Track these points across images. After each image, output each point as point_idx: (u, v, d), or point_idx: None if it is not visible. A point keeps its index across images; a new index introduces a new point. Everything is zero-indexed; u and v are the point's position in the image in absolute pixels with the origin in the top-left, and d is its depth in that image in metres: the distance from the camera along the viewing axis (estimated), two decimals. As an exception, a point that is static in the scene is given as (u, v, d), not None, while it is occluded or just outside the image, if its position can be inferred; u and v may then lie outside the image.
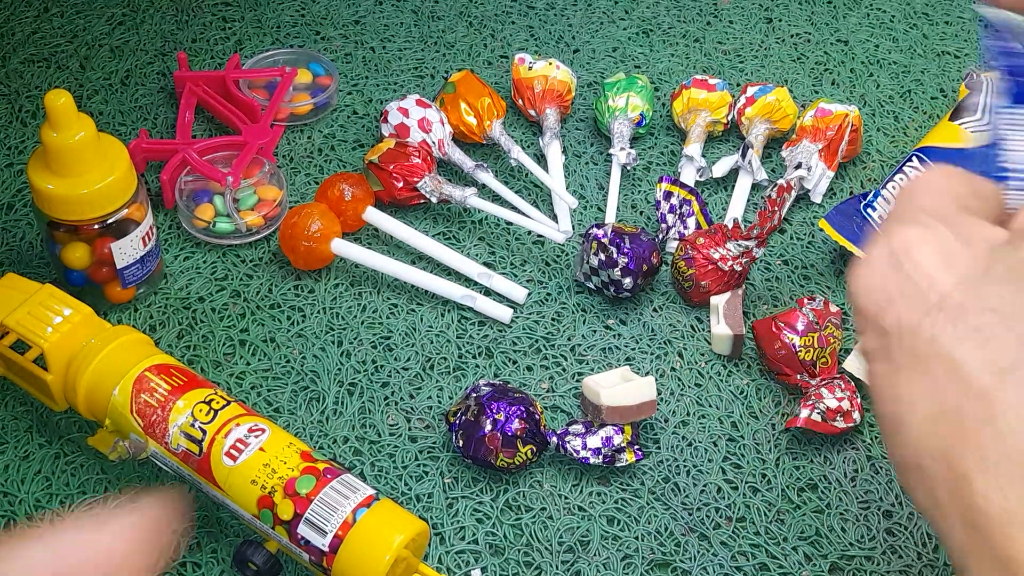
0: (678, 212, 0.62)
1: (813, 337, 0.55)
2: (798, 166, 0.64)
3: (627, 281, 0.58)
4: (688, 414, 0.56)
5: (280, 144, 0.68)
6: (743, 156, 0.65)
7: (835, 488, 0.53)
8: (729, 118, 0.68)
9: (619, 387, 0.52)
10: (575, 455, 0.51)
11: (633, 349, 0.58)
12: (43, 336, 0.51)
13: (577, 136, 0.69)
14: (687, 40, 0.77)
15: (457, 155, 0.65)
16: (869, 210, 0.61)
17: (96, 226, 0.55)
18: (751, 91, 0.68)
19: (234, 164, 0.62)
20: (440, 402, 0.56)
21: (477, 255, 0.62)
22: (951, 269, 0.29)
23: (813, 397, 0.54)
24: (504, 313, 0.59)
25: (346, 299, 0.60)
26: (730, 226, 0.60)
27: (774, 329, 0.55)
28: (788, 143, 0.66)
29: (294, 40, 0.75)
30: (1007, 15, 0.34)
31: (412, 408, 0.55)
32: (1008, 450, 0.26)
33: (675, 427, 0.55)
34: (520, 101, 0.69)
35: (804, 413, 0.53)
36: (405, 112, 0.65)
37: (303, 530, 0.45)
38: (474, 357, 0.58)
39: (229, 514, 0.49)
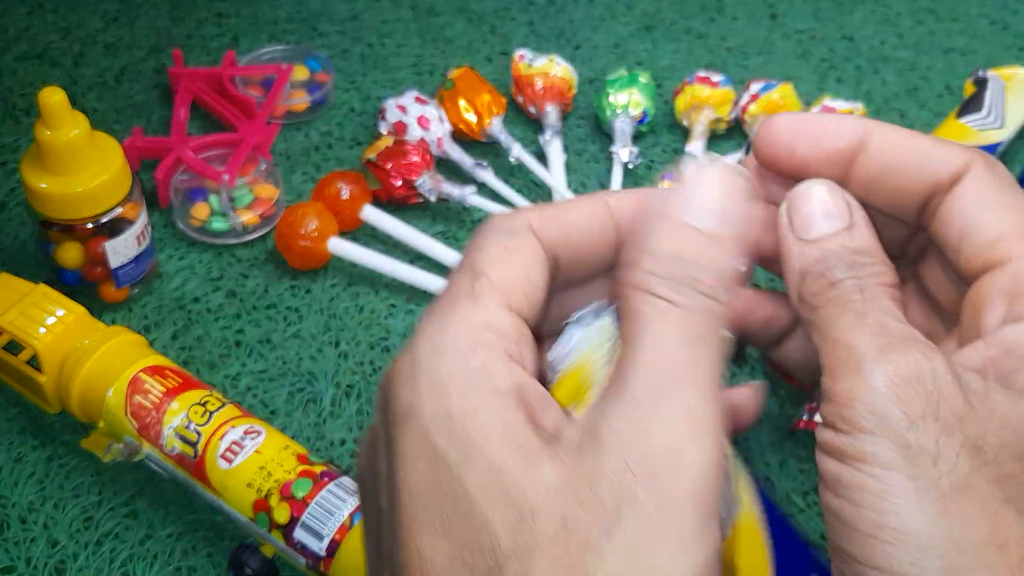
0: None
1: (818, 338, 0.54)
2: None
3: (629, 281, 0.57)
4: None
5: (276, 142, 0.67)
6: (747, 154, 0.64)
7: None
8: (733, 115, 0.67)
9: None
10: (576, 458, 0.51)
11: (635, 350, 0.58)
12: (36, 337, 0.50)
13: (578, 134, 0.69)
14: (690, 36, 0.76)
15: (456, 153, 0.65)
16: (874, 208, 0.60)
17: (90, 225, 0.54)
18: (755, 88, 0.67)
19: (230, 162, 0.62)
20: (439, 404, 0.55)
21: (477, 254, 0.61)
22: None
23: (818, 399, 0.53)
24: (504, 313, 0.58)
25: (343, 299, 0.59)
26: (733, 225, 0.59)
27: (778, 330, 0.54)
28: (792, 140, 0.65)
29: (290, 36, 0.75)
30: None
31: (411, 410, 0.55)
32: None
33: (678, 429, 0.54)
34: (520, 98, 0.68)
35: (809, 416, 0.53)
36: (403, 109, 0.64)
37: (300, 534, 0.45)
38: (474, 358, 0.57)
39: (224, 517, 0.48)
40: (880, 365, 0.26)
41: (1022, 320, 0.28)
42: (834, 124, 0.31)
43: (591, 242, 0.30)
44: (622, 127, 0.66)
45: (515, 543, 0.24)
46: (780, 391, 0.56)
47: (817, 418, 0.53)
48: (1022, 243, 0.29)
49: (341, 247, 0.59)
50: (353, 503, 0.45)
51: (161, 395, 0.48)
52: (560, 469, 0.25)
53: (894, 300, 0.28)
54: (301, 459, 0.47)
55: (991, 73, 0.67)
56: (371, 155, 0.63)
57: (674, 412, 0.25)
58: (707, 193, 0.28)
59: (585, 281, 0.32)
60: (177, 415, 0.48)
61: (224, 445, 0.47)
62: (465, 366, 0.26)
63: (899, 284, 0.29)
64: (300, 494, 0.45)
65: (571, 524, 0.24)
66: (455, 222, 0.63)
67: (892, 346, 0.27)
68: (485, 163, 0.64)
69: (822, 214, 0.29)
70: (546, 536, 0.24)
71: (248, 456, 0.46)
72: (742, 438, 0.54)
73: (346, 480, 0.46)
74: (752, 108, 0.66)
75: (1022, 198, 0.29)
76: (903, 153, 0.30)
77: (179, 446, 0.47)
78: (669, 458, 0.24)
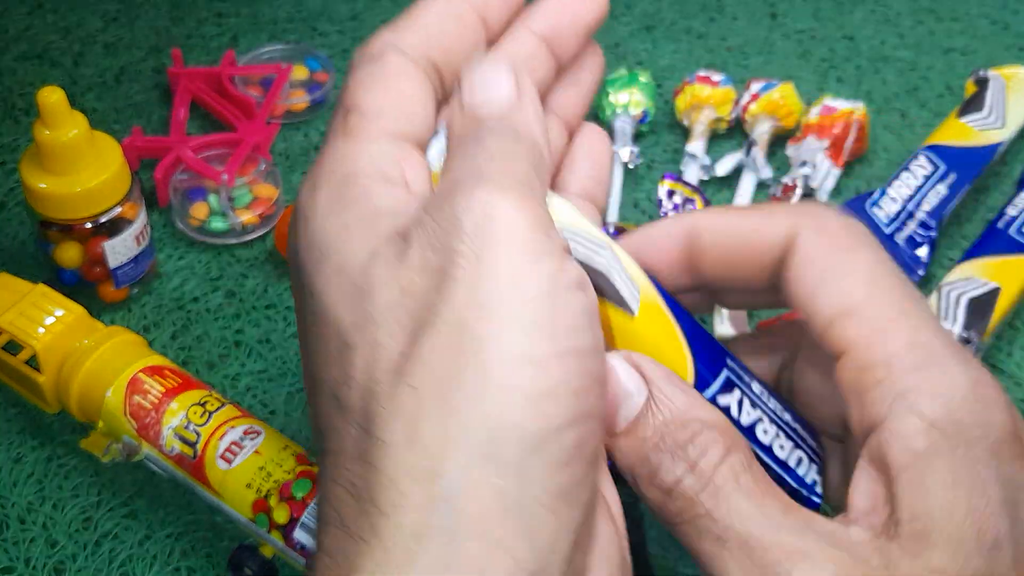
0: (681, 210, 0.61)
1: (819, 338, 0.54)
2: (803, 164, 0.63)
3: (629, 281, 0.57)
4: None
5: (276, 141, 0.67)
6: (747, 153, 0.64)
7: (841, 492, 0.52)
8: (733, 115, 0.67)
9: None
10: (576, 458, 0.50)
11: (635, 350, 0.57)
12: (35, 337, 0.50)
13: (578, 133, 0.68)
14: (690, 36, 0.76)
15: (456, 152, 0.64)
16: (875, 209, 0.60)
17: (89, 225, 0.54)
18: (755, 87, 0.67)
19: (229, 162, 0.62)
20: (439, 404, 0.55)
21: (477, 254, 0.61)
22: None
23: None
24: (504, 313, 0.58)
25: (343, 299, 0.59)
26: (734, 225, 0.59)
27: (779, 330, 0.54)
28: (793, 140, 0.65)
29: (290, 36, 0.75)
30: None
31: (410, 410, 0.55)
32: None
33: (678, 429, 0.54)
34: (520, 98, 0.68)
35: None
36: (403, 109, 0.64)
37: (299, 534, 0.45)
38: (474, 358, 0.57)
39: (224, 518, 0.48)
40: None
41: (877, 426, 0.26)
42: (658, 233, 0.30)
43: (461, 40, 0.30)
44: (622, 127, 0.66)
45: (356, 317, 0.25)
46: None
47: None
48: (855, 325, 0.26)
49: (341, 247, 0.59)
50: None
51: (160, 395, 0.48)
52: (403, 246, 0.25)
53: (746, 471, 0.26)
54: (300, 459, 0.47)
55: (992, 73, 0.67)
56: (371, 155, 0.62)
57: (487, 188, 0.25)
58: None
59: None
60: (176, 415, 0.48)
61: (223, 445, 0.47)
62: (340, 197, 0.27)
63: (742, 441, 0.27)
64: (300, 494, 0.45)
65: (408, 287, 0.25)
66: (455, 222, 0.63)
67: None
68: (485, 163, 0.64)
69: (622, 396, 0.27)
70: (384, 304, 0.25)
71: (247, 456, 0.46)
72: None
73: (346, 480, 0.46)
74: (753, 108, 0.66)
75: (861, 255, 0.27)
76: (729, 239, 0.29)
77: (178, 446, 0.47)
78: (486, 214, 0.25)
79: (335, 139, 0.28)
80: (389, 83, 0.29)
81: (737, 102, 0.67)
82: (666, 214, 0.61)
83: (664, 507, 0.27)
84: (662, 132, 0.69)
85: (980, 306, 0.53)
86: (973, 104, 0.65)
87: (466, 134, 0.27)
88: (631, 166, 0.65)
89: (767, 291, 0.30)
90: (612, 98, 0.67)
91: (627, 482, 0.28)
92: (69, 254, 0.55)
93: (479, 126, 0.27)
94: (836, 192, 0.65)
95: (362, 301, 0.25)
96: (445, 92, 0.30)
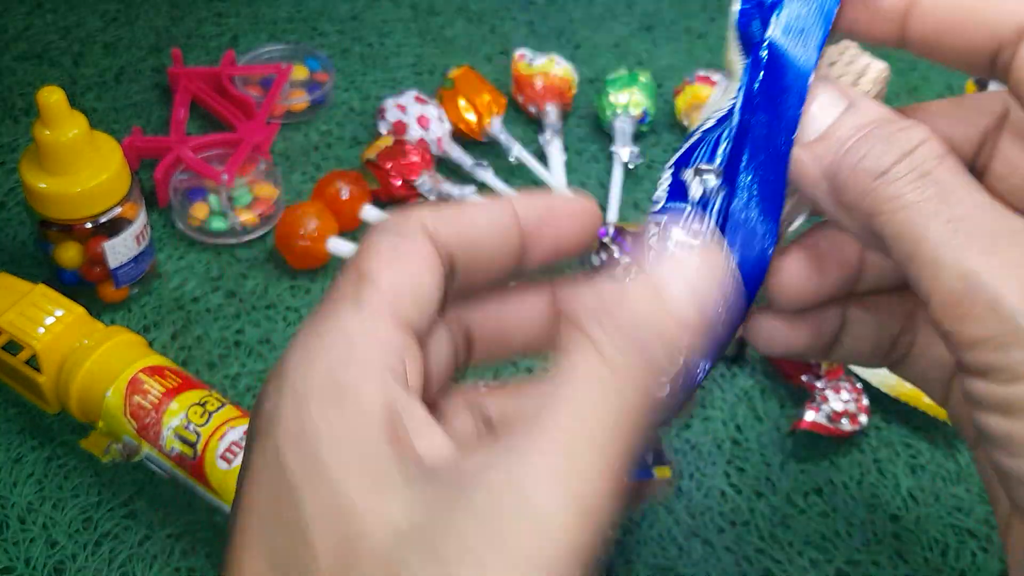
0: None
1: (818, 338, 0.54)
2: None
3: (629, 281, 0.57)
4: (691, 416, 0.55)
5: (276, 141, 0.67)
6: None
7: (841, 492, 0.52)
8: (732, 115, 0.67)
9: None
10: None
11: (635, 350, 0.58)
12: (35, 337, 0.50)
13: (578, 133, 0.69)
14: (690, 35, 0.76)
15: (456, 153, 0.64)
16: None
17: (89, 225, 0.54)
18: (755, 87, 0.67)
19: (229, 162, 0.62)
20: (439, 404, 0.55)
21: (476, 254, 0.61)
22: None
23: (819, 399, 0.53)
24: (504, 313, 0.58)
25: (343, 299, 0.59)
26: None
27: (779, 330, 0.54)
28: (792, 140, 0.65)
29: (290, 36, 0.75)
30: None
31: (410, 410, 0.55)
32: None
33: (678, 430, 0.54)
34: (520, 98, 0.68)
35: (810, 415, 0.52)
36: (403, 109, 0.64)
37: (299, 535, 0.45)
38: (473, 358, 0.57)
39: (224, 518, 0.48)
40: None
41: None
42: None
43: (492, 245, 0.29)
44: (622, 127, 0.66)
45: (337, 551, 0.22)
46: (780, 391, 0.56)
47: (813, 417, 0.52)
48: None
49: (340, 247, 0.59)
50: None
51: (160, 395, 0.48)
52: (411, 509, 0.23)
53: (962, 165, 0.25)
54: (300, 459, 0.47)
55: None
56: (371, 155, 0.62)
57: (559, 480, 0.22)
58: (692, 274, 0.25)
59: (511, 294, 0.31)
60: (176, 415, 0.48)
61: (223, 445, 0.47)
62: (333, 380, 0.24)
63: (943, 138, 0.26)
64: (299, 494, 0.45)
65: (400, 571, 0.22)
66: (455, 222, 0.63)
67: (1018, 261, 0.23)
68: (485, 163, 0.64)
69: (816, 108, 0.26)
70: (369, 551, 0.22)
71: (247, 456, 0.46)
72: (743, 438, 0.54)
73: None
74: (752, 108, 0.66)
75: None
76: (957, 10, 0.27)
77: (178, 446, 0.47)
78: (533, 527, 0.22)
79: (344, 303, 0.26)
80: (411, 267, 0.27)
81: (737, 102, 0.67)
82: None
83: (867, 197, 0.25)
84: (662, 132, 0.69)
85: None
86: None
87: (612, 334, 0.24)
88: (631, 166, 0.65)
89: (986, 67, 0.28)
90: (612, 98, 0.67)
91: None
92: (69, 254, 0.55)
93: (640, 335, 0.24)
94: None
95: (348, 567, 0.22)
96: (455, 286, 0.29)
